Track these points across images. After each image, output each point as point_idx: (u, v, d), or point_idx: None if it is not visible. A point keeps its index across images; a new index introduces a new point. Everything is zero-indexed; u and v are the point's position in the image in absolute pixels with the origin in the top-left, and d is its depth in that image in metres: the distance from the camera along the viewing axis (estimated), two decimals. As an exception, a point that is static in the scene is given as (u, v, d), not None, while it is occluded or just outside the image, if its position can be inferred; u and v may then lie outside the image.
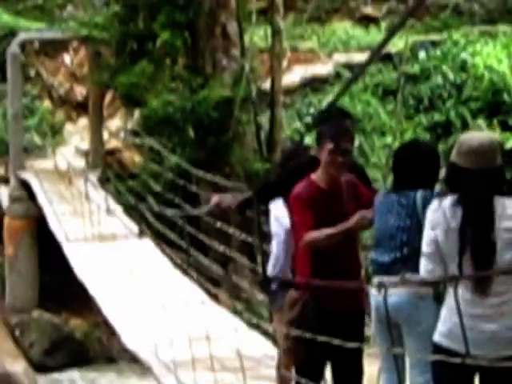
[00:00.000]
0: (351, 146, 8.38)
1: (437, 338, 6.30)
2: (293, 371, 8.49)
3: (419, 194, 7.48)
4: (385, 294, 6.48)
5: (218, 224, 16.31)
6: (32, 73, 24.97)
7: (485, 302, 6.01)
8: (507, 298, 6.08)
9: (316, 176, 8.09)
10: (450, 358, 5.94)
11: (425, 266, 6.43)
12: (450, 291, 6.17)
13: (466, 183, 6.17)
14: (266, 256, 10.20)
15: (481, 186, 6.10)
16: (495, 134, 21.12)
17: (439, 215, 6.29)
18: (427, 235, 6.38)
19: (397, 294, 6.98)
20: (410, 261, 7.05)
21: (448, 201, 6.24)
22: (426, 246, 6.42)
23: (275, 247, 9.27)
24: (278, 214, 9.08)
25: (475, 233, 6.10)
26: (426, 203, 7.17)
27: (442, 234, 6.23)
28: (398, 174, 7.90)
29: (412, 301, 7.13)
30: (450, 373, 6.22)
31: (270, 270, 9.42)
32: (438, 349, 6.24)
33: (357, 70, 18.97)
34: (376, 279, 7.19)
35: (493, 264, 6.03)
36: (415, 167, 7.67)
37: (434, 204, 6.46)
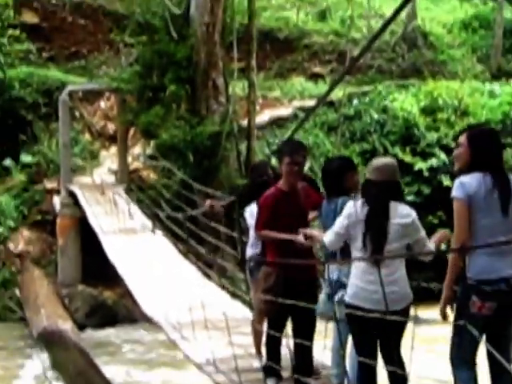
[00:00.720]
0: (303, 160, 8.70)
1: (347, 298, 7.03)
2: (264, 326, 8.94)
3: (340, 201, 8.03)
4: (328, 271, 7.69)
5: (211, 222, 17.76)
6: (77, 114, 25.37)
7: (377, 272, 6.62)
8: (393, 271, 6.87)
9: (280, 183, 8.62)
10: (355, 311, 6.80)
11: (329, 239, 7.25)
12: (356, 265, 7.07)
13: (371, 190, 7.03)
14: (244, 244, 10.92)
15: (380, 192, 6.96)
16: (407, 158, 23.65)
17: (352, 210, 7.04)
18: (341, 221, 7.12)
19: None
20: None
21: (359, 202, 7.07)
22: (337, 228, 7.14)
23: (252, 236, 9.63)
24: (253, 211, 9.22)
25: (375, 224, 6.93)
26: (342, 204, 7.79)
27: (352, 223, 7.03)
28: (324, 186, 8.62)
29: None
30: (356, 323, 7.04)
31: (249, 251, 9.80)
32: (347, 306, 6.99)
33: (308, 112, 20.80)
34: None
35: (384, 246, 6.86)
36: (326, 179, 8.54)
37: (350, 203, 7.22)
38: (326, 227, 7.82)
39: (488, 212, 6.21)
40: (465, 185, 6.29)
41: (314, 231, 8.06)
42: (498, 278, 6.08)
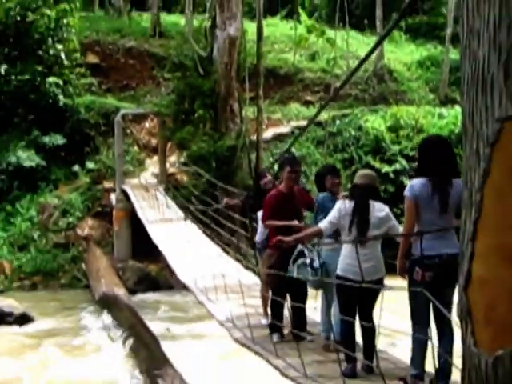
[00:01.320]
0: (299, 169, 9.15)
1: (338, 271, 7.16)
2: (269, 293, 9.14)
3: (320, 196, 8.56)
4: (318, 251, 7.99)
5: (229, 212, 17.52)
6: (128, 132, 25.22)
7: (361, 251, 6.69)
8: (371, 251, 7.04)
9: (281, 186, 8.86)
10: (344, 282, 6.84)
11: (325, 226, 7.31)
12: (345, 246, 7.15)
13: (356, 192, 7.22)
14: (254, 230, 10.94)
15: (363, 193, 7.15)
16: (377, 164, 23.69)
17: (342, 206, 7.21)
18: (334, 214, 7.26)
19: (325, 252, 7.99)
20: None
21: (347, 200, 7.24)
22: (330, 218, 7.27)
23: (260, 225, 9.68)
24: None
25: (359, 216, 7.11)
26: (324, 200, 8.40)
27: (342, 216, 7.18)
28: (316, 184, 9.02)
29: (331, 254, 7.80)
30: (343, 292, 7.10)
31: (258, 237, 9.90)
32: (338, 278, 7.11)
33: (302, 130, 21.42)
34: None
35: (367, 233, 7.05)
36: (316, 179, 8.97)
37: (341, 201, 7.36)
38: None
39: (429, 209, 6.28)
40: (413, 187, 6.38)
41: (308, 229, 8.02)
42: (434, 254, 6.17)
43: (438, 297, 5.72)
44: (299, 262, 7.98)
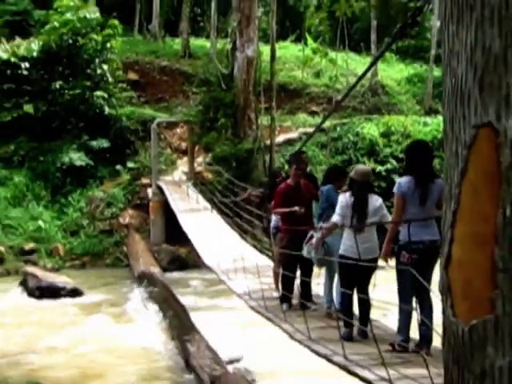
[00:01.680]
0: (305, 167, 9.33)
1: (341, 251, 7.15)
2: (280, 269, 8.97)
3: (325, 188, 8.51)
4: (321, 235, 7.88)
5: (247, 205, 17.74)
6: (162, 137, 25.45)
7: (359, 235, 6.85)
8: (368, 235, 7.07)
9: (289, 180, 8.94)
10: (346, 260, 6.94)
11: (337, 219, 7.25)
12: (346, 231, 7.19)
13: (355, 186, 7.18)
14: (268, 220, 11.42)
15: (361, 188, 7.13)
16: (371, 164, 23.30)
17: (345, 199, 7.21)
18: (340, 207, 7.24)
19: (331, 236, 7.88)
20: (327, 218, 7.97)
21: (348, 193, 7.24)
22: (339, 211, 7.23)
23: (274, 214, 9.56)
24: None
25: (358, 209, 7.13)
26: (328, 192, 8.36)
27: (345, 207, 7.17)
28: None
29: (332, 238, 7.81)
30: (345, 269, 7.10)
31: (272, 223, 10.02)
32: (341, 256, 7.10)
33: (308, 136, 20.55)
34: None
35: (365, 221, 7.07)
36: (325, 175, 9.20)
37: (342, 195, 7.37)
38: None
39: (413, 203, 6.34)
40: (400, 184, 6.45)
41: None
42: (418, 240, 6.23)
43: (421, 275, 5.68)
44: (308, 244, 8.13)
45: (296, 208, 8.61)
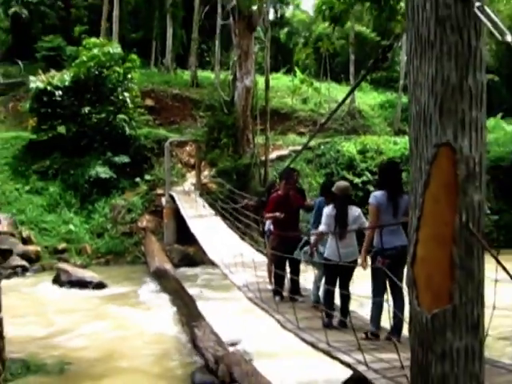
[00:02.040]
0: (294, 181, 9.10)
1: (325, 254, 7.16)
2: (272, 267, 8.99)
3: (318, 200, 8.47)
4: (315, 240, 7.78)
5: (245, 211, 17.50)
6: (174, 153, 25.06)
7: (341, 241, 6.86)
8: (348, 241, 7.05)
9: (280, 190, 8.89)
10: (329, 262, 6.98)
11: (323, 228, 7.23)
12: (330, 237, 7.13)
13: (337, 200, 7.13)
14: (263, 223, 10.82)
15: (341, 201, 7.10)
16: (350, 177, 23.39)
17: (329, 211, 7.20)
18: (325, 217, 7.23)
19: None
20: (318, 224, 7.63)
21: (331, 206, 7.20)
22: (324, 222, 7.22)
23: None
24: None
25: (340, 219, 7.10)
26: (320, 203, 8.16)
27: (329, 218, 7.15)
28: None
29: (320, 244, 7.75)
30: (329, 269, 7.13)
31: (266, 227, 9.96)
32: (325, 259, 7.12)
33: (297, 153, 21.58)
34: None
35: (346, 228, 7.02)
36: (321, 188, 8.76)
37: (327, 207, 7.33)
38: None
39: (386, 214, 6.33)
40: (376, 197, 6.42)
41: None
42: (391, 247, 6.20)
43: (393, 274, 5.80)
44: (305, 249, 8.20)
45: (277, 214, 8.61)
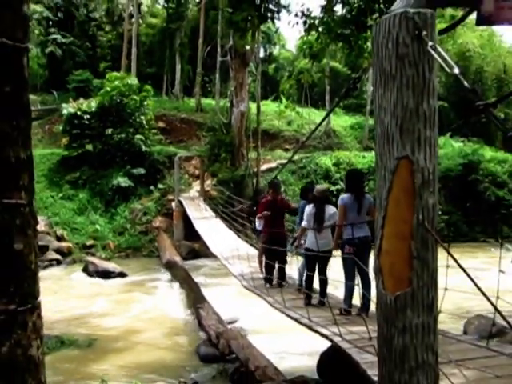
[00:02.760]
0: (279, 189, 9.12)
1: (306, 245, 7.12)
2: (263, 258, 8.95)
3: (301, 202, 8.33)
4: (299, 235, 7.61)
5: (241, 213, 17.24)
6: (182, 166, 24.78)
7: (319, 234, 6.80)
8: (325, 234, 6.93)
9: (268, 196, 8.79)
10: (309, 252, 6.89)
11: (305, 224, 7.13)
12: (310, 231, 7.08)
13: (316, 200, 7.04)
14: (255, 223, 10.44)
15: (320, 201, 7.01)
16: (326, 185, 21.29)
17: (308, 210, 7.11)
18: (306, 215, 7.12)
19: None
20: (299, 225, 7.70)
21: (311, 205, 7.10)
22: (306, 218, 7.12)
23: (257, 219, 9.38)
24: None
25: (318, 216, 7.00)
26: (303, 205, 7.93)
27: (309, 215, 7.05)
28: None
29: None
30: (309, 258, 7.04)
31: (257, 226, 9.78)
32: (306, 249, 7.05)
33: (283, 166, 20.98)
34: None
35: (323, 224, 6.96)
36: (301, 191, 8.84)
37: (308, 206, 7.23)
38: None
39: (352, 212, 6.37)
40: (343, 199, 6.46)
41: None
42: (355, 237, 6.22)
43: (360, 260, 5.89)
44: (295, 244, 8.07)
45: (265, 212, 8.51)
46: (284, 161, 25.93)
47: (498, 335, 7.83)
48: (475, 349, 4.89)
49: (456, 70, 2.55)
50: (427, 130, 2.78)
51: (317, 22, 8.83)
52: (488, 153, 27.59)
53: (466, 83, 2.52)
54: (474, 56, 34.17)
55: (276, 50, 49.71)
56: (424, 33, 2.70)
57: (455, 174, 24.60)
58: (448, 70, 2.55)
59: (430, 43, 2.66)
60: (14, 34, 1.85)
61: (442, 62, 2.60)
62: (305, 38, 11.23)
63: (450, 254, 2.83)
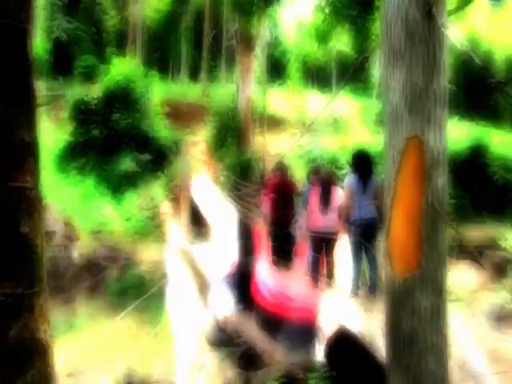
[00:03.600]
0: (286, 172, 8.85)
1: (311, 227, 7.00)
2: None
3: (306, 185, 8.24)
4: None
5: (248, 195, 17.17)
6: (188, 151, 24.33)
7: (325, 216, 6.80)
8: (332, 216, 6.82)
9: (275, 179, 8.64)
10: (314, 234, 6.86)
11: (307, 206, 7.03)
12: (314, 214, 6.93)
13: (322, 182, 7.09)
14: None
15: (326, 183, 7.03)
16: (334, 169, 23.74)
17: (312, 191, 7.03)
18: (311, 198, 6.99)
19: None
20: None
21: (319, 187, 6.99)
22: (311, 200, 6.97)
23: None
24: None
25: (324, 196, 6.94)
26: (307, 188, 7.80)
27: (314, 196, 6.93)
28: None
29: None
30: (313, 238, 7.02)
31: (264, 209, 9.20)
32: (311, 231, 6.99)
33: (288, 150, 20.67)
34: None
35: (329, 205, 6.84)
36: (308, 173, 8.91)
37: (314, 188, 7.13)
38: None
39: (358, 192, 6.32)
40: (350, 179, 6.46)
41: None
42: (361, 217, 6.21)
43: (367, 241, 6.01)
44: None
45: (271, 195, 8.43)
46: (290, 146, 25.53)
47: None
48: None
49: (465, 47, 2.49)
50: (437, 109, 2.74)
51: (323, 3, 8.72)
52: (497, 137, 27.26)
53: (477, 60, 2.47)
54: (484, 38, 33.62)
55: (282, 34, 49.18)
56: (434, 9, 2.63)
57: (463, 158, 24.34)
58: (459, 46, 2.49)
59: (441, 20, 2.60)
60: (18, 15, 1.83)
61: (452, 39, 2.54)
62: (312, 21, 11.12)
63: (459, 235, 2.80)
